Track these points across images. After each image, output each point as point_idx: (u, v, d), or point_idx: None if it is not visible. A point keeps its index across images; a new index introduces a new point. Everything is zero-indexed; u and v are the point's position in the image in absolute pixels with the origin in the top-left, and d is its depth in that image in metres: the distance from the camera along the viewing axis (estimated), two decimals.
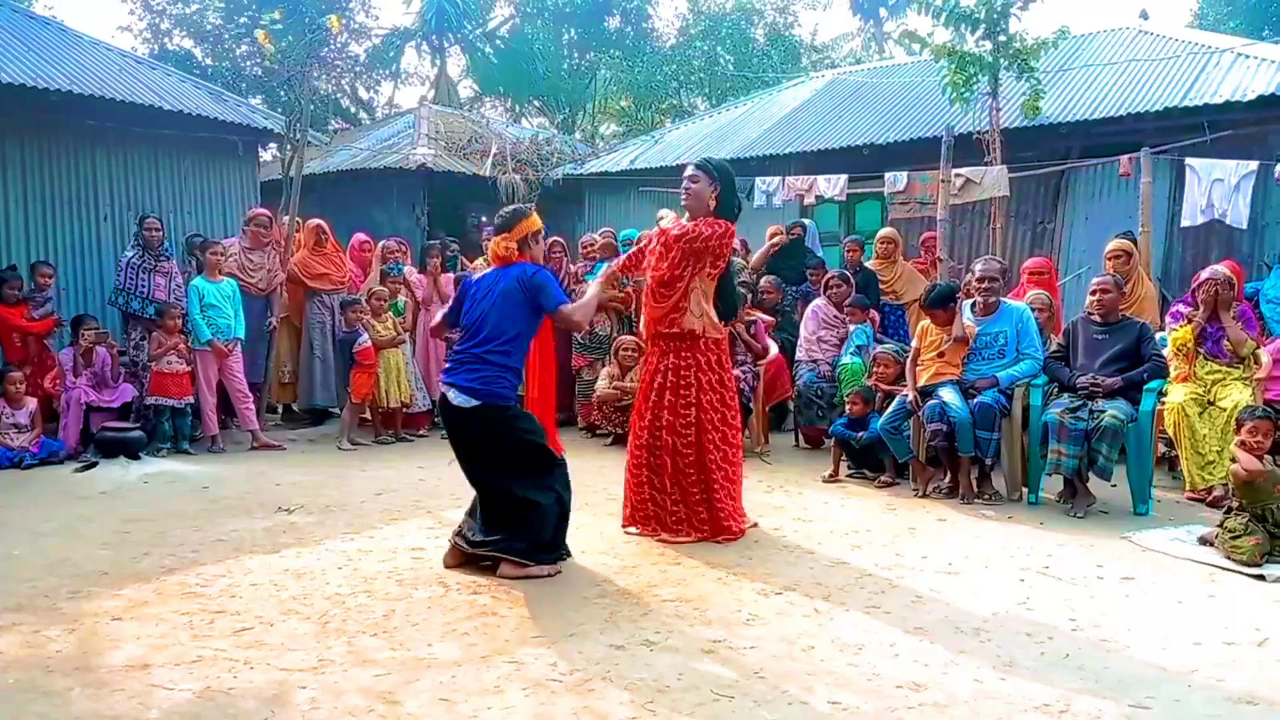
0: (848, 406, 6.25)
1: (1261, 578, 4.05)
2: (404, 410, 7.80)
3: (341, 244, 8.52)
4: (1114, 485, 5.36)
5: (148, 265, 7.33)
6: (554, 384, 4.60)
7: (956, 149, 8.58)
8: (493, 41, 24.82)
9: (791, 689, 2.93)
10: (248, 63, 20.49)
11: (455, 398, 4.06)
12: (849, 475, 6.16)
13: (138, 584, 3.93)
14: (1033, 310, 5.86)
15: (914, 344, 5.92)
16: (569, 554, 4.23)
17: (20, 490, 5.84)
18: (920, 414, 5.55)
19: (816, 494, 5.70)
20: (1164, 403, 5.62)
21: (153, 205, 9.28)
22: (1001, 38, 9.54)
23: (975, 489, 5.52)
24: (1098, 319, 5.58)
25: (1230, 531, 4.31)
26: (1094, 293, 5.59)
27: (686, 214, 4.72)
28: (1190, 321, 5.79)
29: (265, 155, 13.23)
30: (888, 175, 9.39)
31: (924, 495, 5.58)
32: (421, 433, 7.98)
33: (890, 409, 5.74)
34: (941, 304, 5.71)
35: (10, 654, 3.19)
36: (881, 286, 7.95)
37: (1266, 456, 4.36)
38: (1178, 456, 5.75)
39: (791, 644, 3.29)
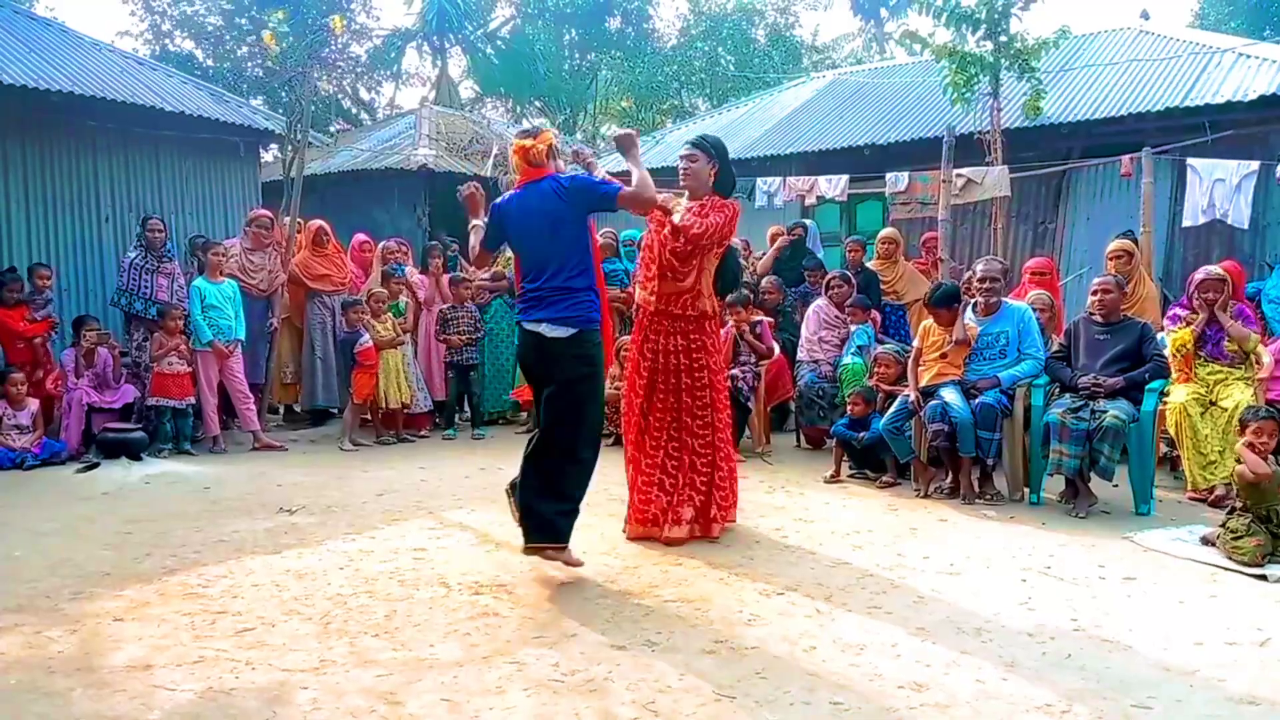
0: (849, 407, 6.25)
1: (1263, 578, 4.04)
2: (405, 411, 7.80)
3: (343, 245, 8.54)
4: (1115, 485, 5.35)
5: (150, 266, 7.34)
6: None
7: (958, 149, 8.59)
8: (494, 42, 24.85)
9: (793, 689, 2.93)
10: (249, 64, 20.51)
11: (550, 330, 3.91)
12: (850, 476, 6.16)
13: (139, 585, 3.93)
14: (1034, 310, 5.85)
15: (915, 344, 5.92)
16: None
17: (22, 491, 5.84)
18: (922, 414, 5.54)
19: (818, 494, 5.70)
20: (1166, 403, 5.62)
21: (154, 206, 9.29)
22: (1002, 38, 9.55)
23: (977, 489, 5.52)
24: (1099, 319, 5.58)
25: (1232, 532, 4.31)
26: (1095, 293, 5.59)
27: (686, 194, 4.70)
28: (1189, 325, 5.79)
29: (266, 156, 13.25)
30: (889, 175, 9.40)
31: (925, 495, 5.58)
32: (423, 433, 7.99)
33: (892, 409, 5.74)
34: (945, 304, 5.71)
35: (12, 654, 3.19)
36: (882, 287, 7.95)
37: (1270, 457, 4.35)
38: (1179, 456, 5.75)
39: (793, 644, 3.29)
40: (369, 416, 7.87)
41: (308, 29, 15.83)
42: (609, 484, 5.07)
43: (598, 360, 4.06)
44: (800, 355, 7.31)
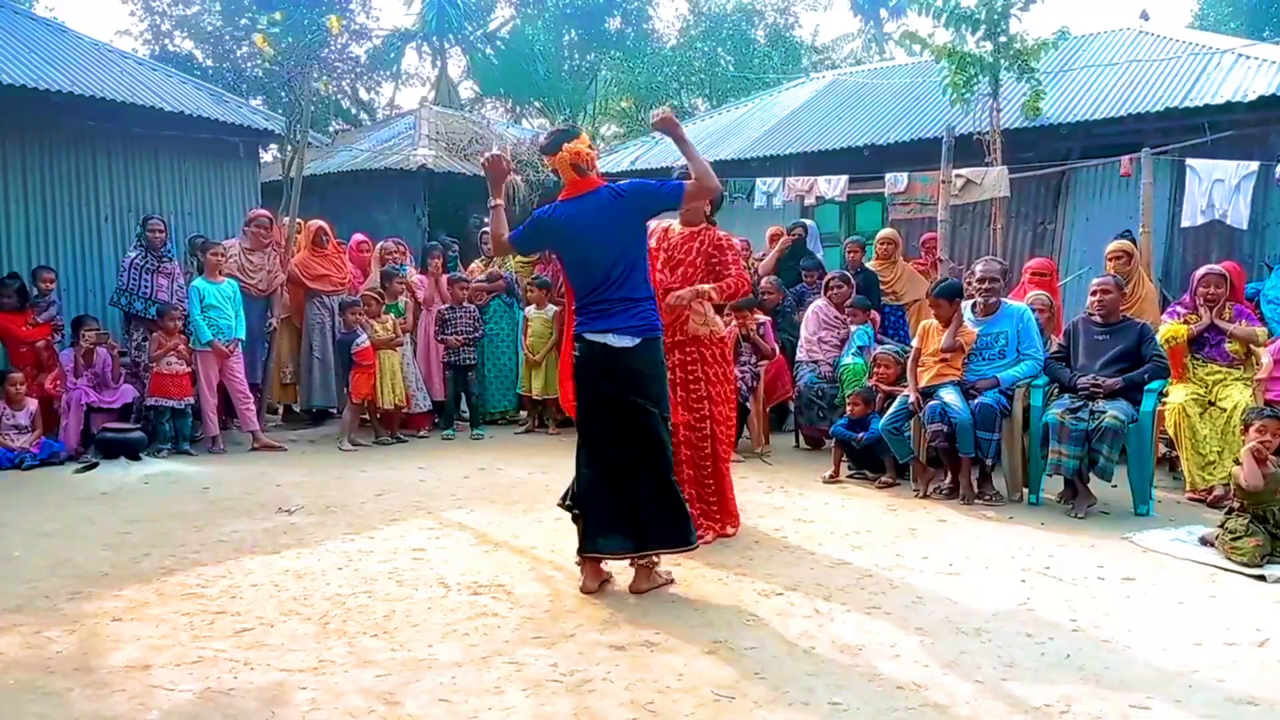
0: (849, 407, 6.25)
1: (1262, 578, 4.04)
2: (403, 411, 7.80)
3: (342, 245, 8.54)
4: (1115, 486, 5.35)
5: (150, 266, 7.34)
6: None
7: (957, 150, 8.58)
8: (493, 42, 24.84)
9: (792, 690, 2.93)
10: (248, 64, 20.49)
11: (617, 340, 3.82)
12: (849, 476, 6.16)
13: (138, 585, 3.93)
14: (1033, 310, 5.85)
15: (915, 345, 5.92)
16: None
17: (21, 491, 5.84)
18: (921, 415, 5.55)
19: (817, 495, 5.70)
20: (1165, 403, 5.62)
21: (154, 206, 9.29)
22: (1002, 38, 9.55)
23: (976, 490, 5.52)
24: (1098, 319, 5.58)
25: (1231, 532, 4.31)
26: (1095, 293, 5.59)
27: (680, 222, 4.74)
28: (1187, 324, 5.80)
29: (266, 156, 13.25)
30: (888, 176, 9.40)
31: (925, 496, 5.58)
32: (422, 433, 7.99)
33: (891, 410, 5.74)
34: (948, 296, 5.70)
35: (11, 654, 3.19)
36: (881, 287, 7.95)
37: (1272, 457, 4.34)
38: (1178, 457, 5.75)
39: (792, 645, 3.29)
40: (368, 417, 7.87)
41: (306, 29, 15.83)
42: None
43: (664, 369, 4.05)
44: (800, 355, 7.30)
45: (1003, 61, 9.54)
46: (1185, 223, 8.21)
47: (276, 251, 7.90)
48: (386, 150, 14.92)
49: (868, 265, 8.08)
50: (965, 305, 5.82)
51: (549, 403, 8.22)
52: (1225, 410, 5.45)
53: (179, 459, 6.89)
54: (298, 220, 8.19)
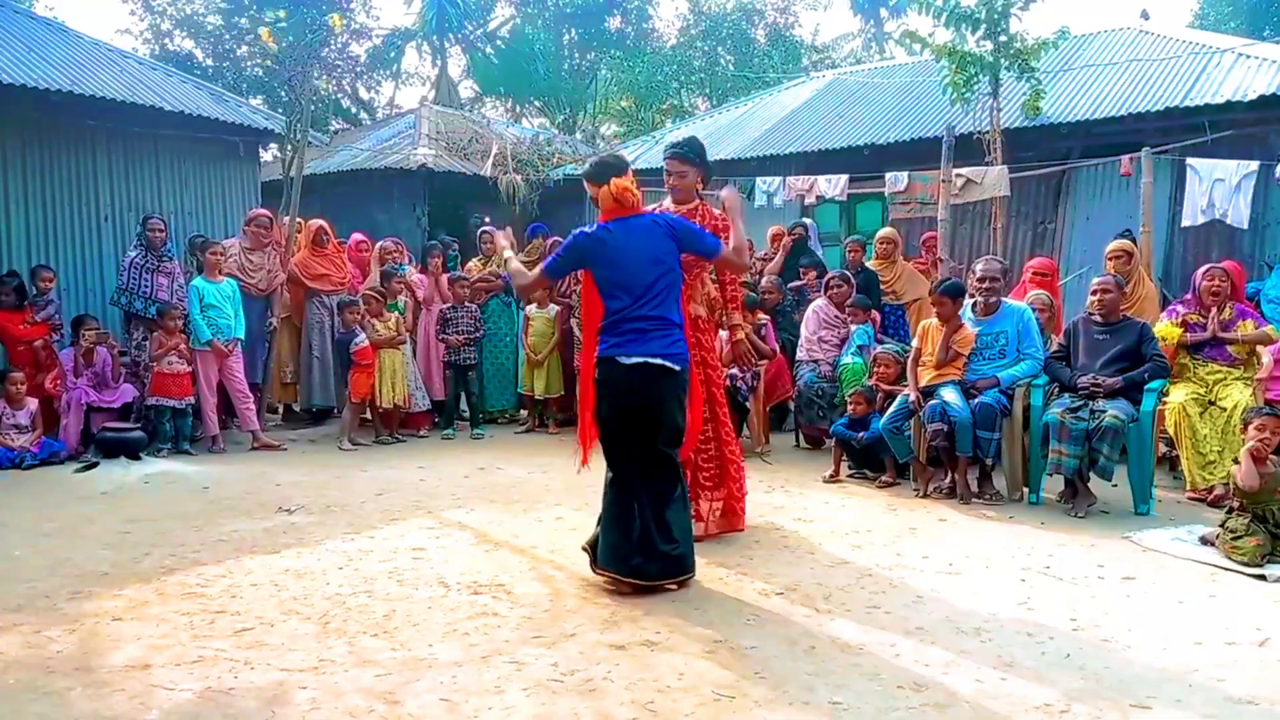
0: (850, 406, 6.24)
1: (1263, 578, 4.04)
2: (404, 410, 7.79)
3: (342, 244, 8.53)
4: (1115, 485, 5.35)
5: (150, 265, 7.34)
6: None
7: (957, 149, 8.59)
8: (493, 42, 24.85)
9: (792, 689, 2.93)
10: (248, 63, 20.50)
11: (664, 363, 3.84)
12: (850, 475, 6.16)
13: (138, 584, 3.93)
14: (1033, 310, 5.85)
15: (914, 344, 5.92)
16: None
17: (21, 491, 5.84)
18: (921, 414, 5.54)
19: (817, 494, 5.70)
20: (1165, 403, 5.62)
21: (154, 206, 9.28)
22: (1002, 38, 9.55)
23: (976, 489, 5.52)
24: (1099, 319, 5.58)
25: (1231, 532, 4.31)
26: (1095, 293, 5.59)
27: (670, 201, 4.66)
28: (1185, 325, 5.80)
29: (266, 156, 13.25)
30: (888, 175, 9.39)
31: (925, 495, 5.58)
32: (422, 433, 7.99)
33: (892, 409, 5.74)
34: (952, 294, 5.70)
35: (11, 654, 3.19)
36: (881, 286, 7.94)
37: (1272, 456, 4.34)
38: (1179, 456, 5.75)
39: (792, 644, 3.29)
40: (368, 416, 7.88)
41: (307, 28, 15.79)
42: None
43: (687, 384, 4.06)
44: (800, 355, 7.30)
45: (1003, 61, 9.54)
46: (1185, 222, 8.20)
47: (276, 251, 7.90)
48: (386, 149, 14.92)
49: (868, 265, 8.08)
50: (965, 305, 5.82)
51: (550, 402, 8.23)
52: (1225, 410, 5.45)
53: (179, 458, 6.89)
54: (298, 220, 8.19)
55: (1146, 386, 5.33)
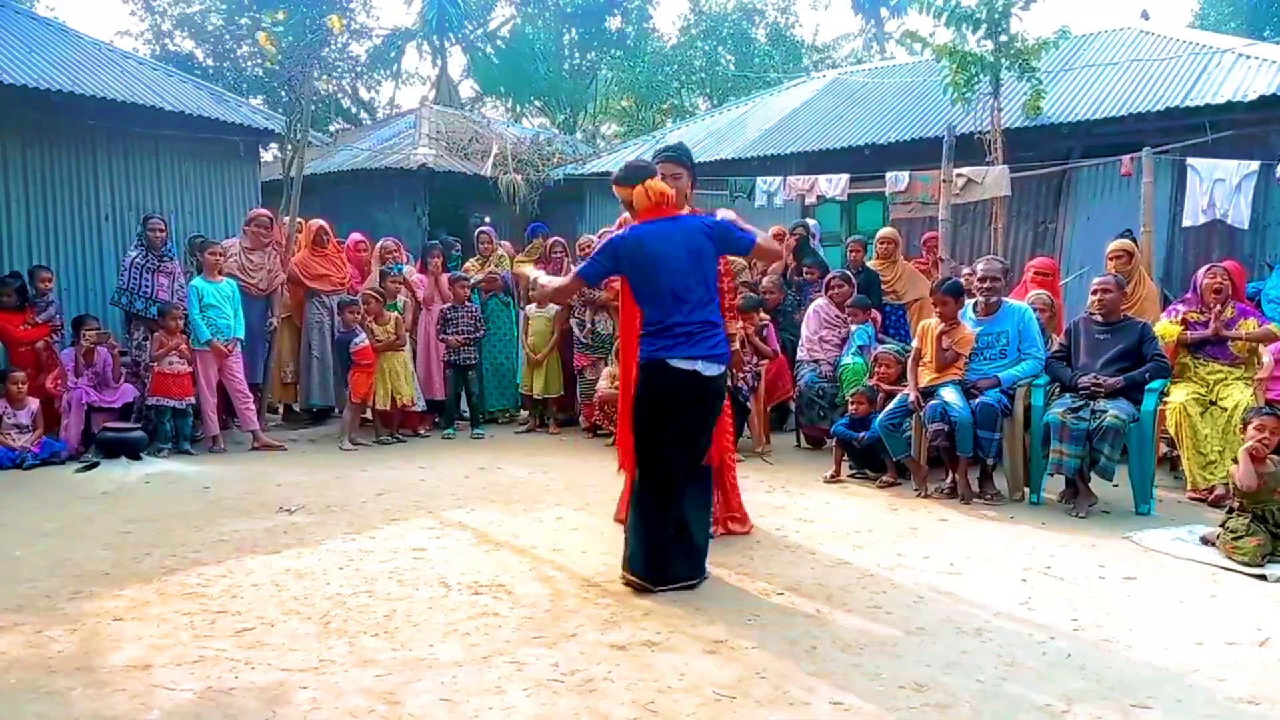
0: (851, 406, 6.24)
1: (1263, 578, 4.04)
2: (404, 410, 7.79)
3: (342, 244, 8.53)
4: (1115, 485, 5.35)
5: (151, 265, 7.34)
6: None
7: (958, 149, 8.58)
8: (494, 41, 24.85)
9: (793, 689, 2.93)
10: (249, 63, 20.51)
11: (706, 368, 3.83)
12: (850, 475, 6.15)
13: (139, 584, 3.93)
14: (1034, 310, 5.85)
15: (915, 344, 5.92)
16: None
17: (22, 490, 5.84)
18: (922, 414, 5.54)
19: (818, 494, 5.70)
20: (1166, 402, 5.62)
21: (154, 206, 9.29)
22: (1003, 38, 9.55)
23: (977, 489, 5.52)
24: (1099, 319, 5.58)
25: (1232, 532, 4.31)
26: (1095, 292, 5.59)
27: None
28: (1186, 325, 5.80)
29: (266, 156, 13.26)
30: (889, 175, 9.39)
31: (925, 495, 5.58)
32: (421, 432, 7.99)
33: (890, 406, 5.75)
34: (953, 293, 5.70)
35: (12, 654, 3.19)
36: (882, 286, 7.94)
37: (1271, 456, 4.34)
38: (1179, 456, 5.75)
39: (793, 644, 3.29)
40: (369, 416, 7.88)
41: (307, 28, 15.81)
42: (611, 484, 5.07)
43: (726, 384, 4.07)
44: (800, 355, 7.30)
45: (1003, 61, 9.54)
46: (1186, 222, 8.20)
47: (277, 251, 7.90)
48: (387, 149, 14.91)
49: (869, 264, 8.08)
50: (966, 305, 5.82)
51: (550, 402, 8.23)
52: (1226, 410, 5.45)
53: (179, 458, 6.89)
54: (298, 219, 8.19)
55: (1147, 386, 5.33)
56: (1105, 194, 10.18)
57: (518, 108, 24.94)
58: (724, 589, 3.90)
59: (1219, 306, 5.74)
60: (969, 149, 9.21)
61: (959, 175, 8.59)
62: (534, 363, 8.11)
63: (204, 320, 7.21)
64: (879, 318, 7.44)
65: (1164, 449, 6.05)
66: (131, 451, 6.74)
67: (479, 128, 16.34)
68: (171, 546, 4.51)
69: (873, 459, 6.10)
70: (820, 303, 7.34)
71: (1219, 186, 7.83)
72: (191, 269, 7.94)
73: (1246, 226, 8.03)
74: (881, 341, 6.89)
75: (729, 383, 4.13)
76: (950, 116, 9.70)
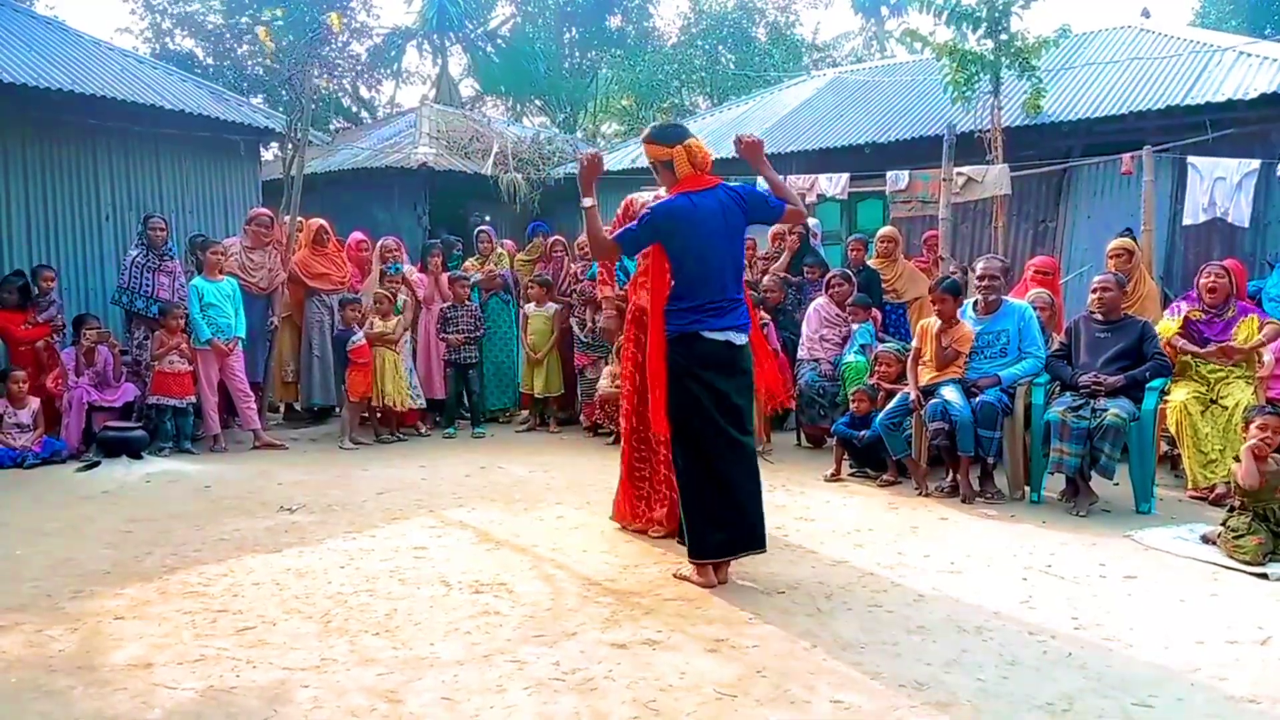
0: (853, 405, 6.24)
1: (1264, 576, 4.04)
2: (403, 409, 7.79)
3: (343, 243, 8.53)
4: (1116, 484, 5.35)
5: (151, 264, 7.34)
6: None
7: (958, 148, 8.57)
8: (494, 40, 24.84)
9: (794, 688, 2.93)
10: (249, 62, 20.50)
11: (737, 337, 3.89)
12: (851, 474, 6.15)
13: (140, 583, 3.93)
14: (1034, 309, 5.85)
15: (914, 343, 5.92)
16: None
17: (23, 490, 5.85)
18: (922, 413, 5.54)
19: (818, 493, 5.70)
20: (1166, 401, 5.61)
21: (154, 205, 9.30)
22: (1003, 36, 9.55)
23: (977, 488, 5.52)
24: (1100, 317, 5.58)
25: (1233, 530, 4.31)
26: (1096, 291, 5.59)
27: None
28: (1186, 324, 5.79)
29: (267, 155, 13.23)
30: (889, 174, 9.38)
31: (926, 494, 5.58)
32: (423, 432, 7.99)
33: (890, 404, 5.75)
34: (953, 292, 5.70)
35: (13, 653, 3.20)
36: (883, 285, 7.94)
37: (1273, 455, 4.34)
38: (1180, 455, 5.75)
39: (794, 643, 3.29)
40: (368, 415, 7.87)
41: (307, 27, 15.81)
42: (611, 483, 5.06)
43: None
44: (801, 354, 7.30)
45: (1004, 59, 9.54)
46: (1187, 221, 8.20)
47: (277, 250, 7.90)
48: (387, 148, 14.91)
49: (869, 263, 8.08)
50: (965, 304, 5.82)
51: (550, 401, 8.23)
52: (1227, 408, 5.44)
53: (180, 458, 6.89)
54: (298, 218, 8.19)
55: (1148, 385, 5.33)
56: (1106, 192, 10.17)
57: (518, 107, 24.93)
58: (724, 588, 3.90)
59: (1217, 312, 5.71)
60: (969, 148, 9.21)
61: (959, 174, 8.58)
62: (534, 362, 8.12)
63: (204, 319, 7.21)
64: (879, 316, 7.44)
65: (1165, 448, 6.04)
66: (132, 451, 6.74)
67: (479, 127, 16.33)
68: (172, 545, 4.52)
69: (873, 458, 6.10)
70: (820, 302, 7.33)
71: (1219, 185, 7.83)
72: (192, 268, 7.94)
73: (1247, 225, 8.03)
74: (882, 340, 6.89)
75: None
76: (950, 115, 9.69)
